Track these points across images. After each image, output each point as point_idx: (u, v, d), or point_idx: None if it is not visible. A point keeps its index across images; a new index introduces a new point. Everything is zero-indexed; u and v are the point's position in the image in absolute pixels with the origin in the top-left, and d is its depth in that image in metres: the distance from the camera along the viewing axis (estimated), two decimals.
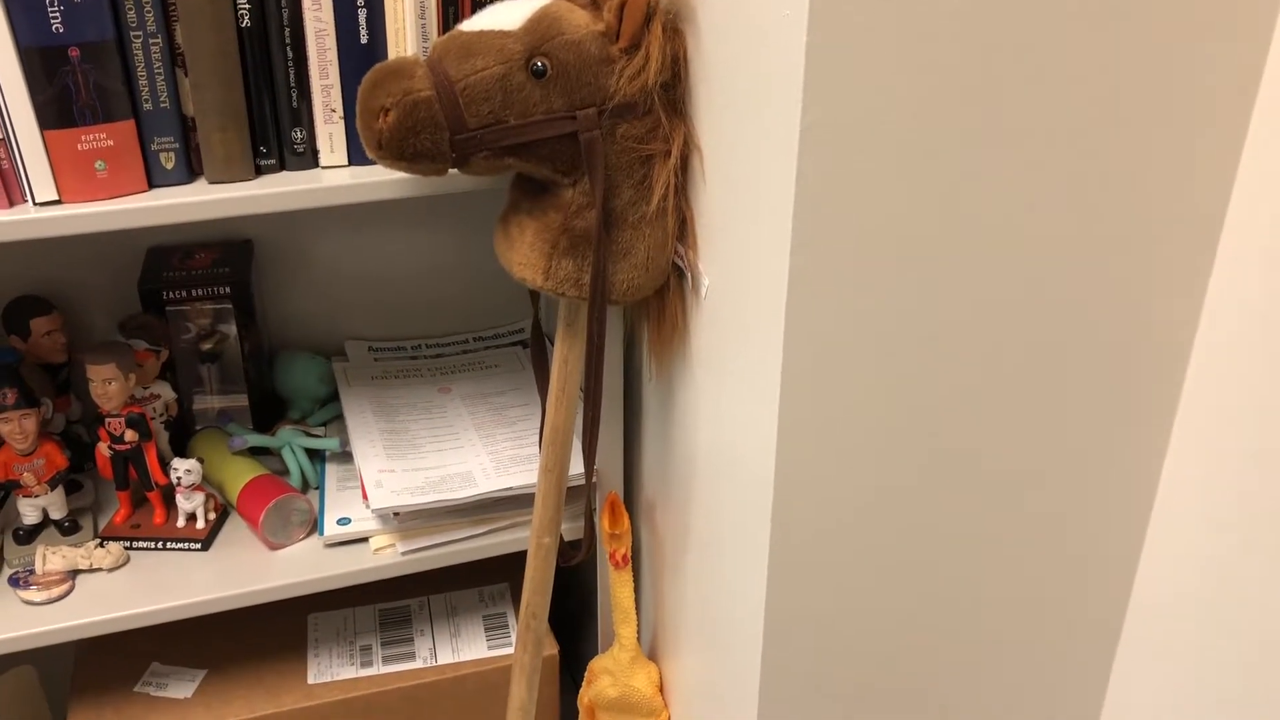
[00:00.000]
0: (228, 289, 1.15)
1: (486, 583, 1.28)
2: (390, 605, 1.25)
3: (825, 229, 0.75)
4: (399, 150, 0.81)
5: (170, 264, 1.17)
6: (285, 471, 1.17)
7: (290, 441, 1.17)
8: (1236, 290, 0.87)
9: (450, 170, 0.86)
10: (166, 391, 1.16)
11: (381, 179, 0.92)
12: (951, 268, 0.79)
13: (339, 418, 1.25)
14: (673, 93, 0.85)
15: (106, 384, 1.04)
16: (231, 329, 1.17)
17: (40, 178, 0.86)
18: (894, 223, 0.76)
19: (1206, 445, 0.91)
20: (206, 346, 1.17)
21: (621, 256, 0.87)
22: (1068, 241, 0.81)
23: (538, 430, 1.16)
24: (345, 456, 1.20)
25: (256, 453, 1.18)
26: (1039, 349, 0.85)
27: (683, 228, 0.90)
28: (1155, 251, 0.85)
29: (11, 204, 0.87)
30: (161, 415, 1.15)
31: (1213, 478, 0.91)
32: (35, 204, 0.87)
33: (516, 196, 0.91)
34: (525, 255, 0.88)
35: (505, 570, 1.30)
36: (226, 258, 1.19)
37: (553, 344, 0.97)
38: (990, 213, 0.78)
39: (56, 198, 0.87)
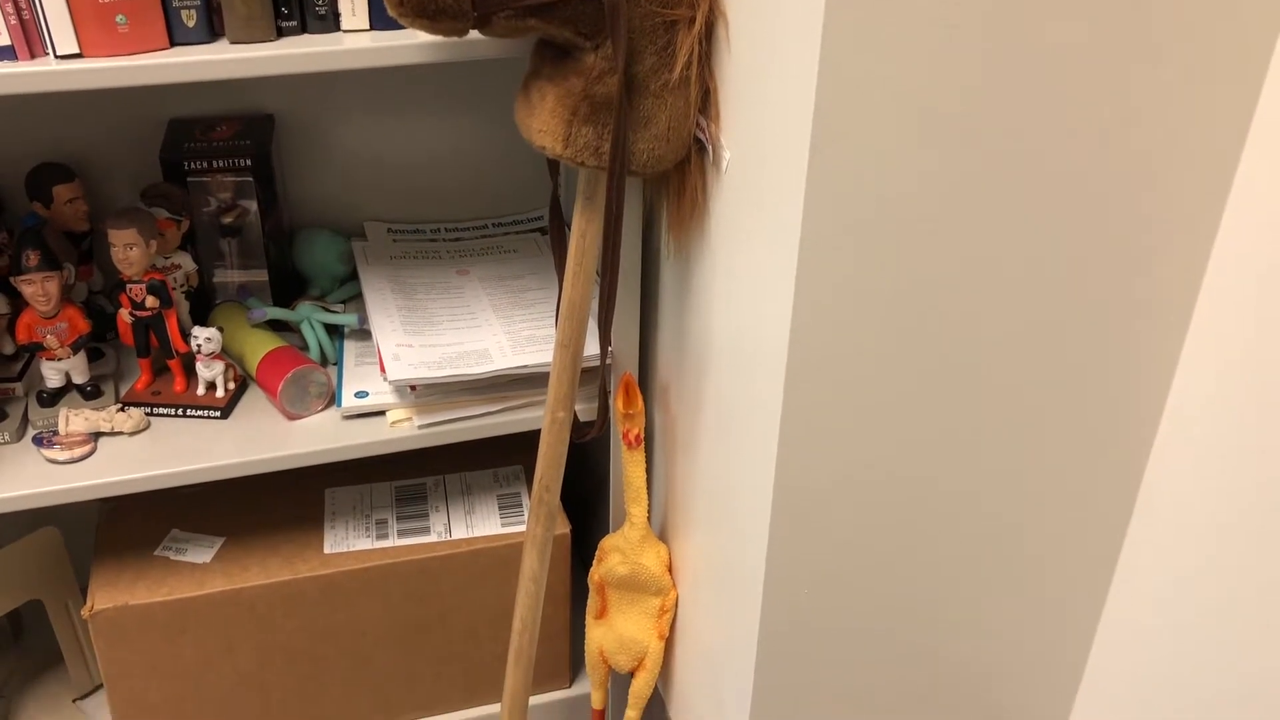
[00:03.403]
0: (249, 161, 1.15)
1: (501, 464, 1.30)
2: (406, 483, 1.27)
3: (849, 100, 0.74)
4: (420, 7, 0.80)
5: (192, 135, 1.17)
6: (304, 347, 1.18)
7: (309, 316, 1.18)
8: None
9: (472, 33, 0.85)
10: (187, 262, 1.17)
11: (402, 43, 0.92)
12: (979, 144, 0.78)
13: (357, 297, 1.26)
14: None
15: (128, 249, 1.05)
16: (252, 204, 1.17)
17: (61, 30, 0.85)
18: (920, 94, 0.75)
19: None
20: (227, 220, 1.18)
21: (642, 125, 0.87)
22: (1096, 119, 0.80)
23: (554, 312, 1.17)
24: (363, 334, 1.21)
25: (275, 328, 1.19)
26: (1056, 232, 0.84)
27: (705, 99, 0.89)
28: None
29: (33, 56, 0.87)
30: (182, 286, 1.16)
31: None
32: (56, 56, 0.86)
33: (538, 62, 0.90)
34: (545, 122, 0.87)
35: (520, 452, 1.31)
36: (248, 131, 1.18)
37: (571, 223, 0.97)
38: (1023, 78, 0.77)
39: (78, 51, 0.86)
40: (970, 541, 0.99)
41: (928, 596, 1.01)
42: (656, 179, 1.00)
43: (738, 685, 1.03)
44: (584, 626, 1.22)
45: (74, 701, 1.30)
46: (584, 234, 0.95)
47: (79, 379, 1.10)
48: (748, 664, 1.01)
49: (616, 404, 1.09)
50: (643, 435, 1.10)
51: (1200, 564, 0.94)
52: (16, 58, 0.86)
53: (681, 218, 0.96)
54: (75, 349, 1.08)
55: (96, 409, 1.09)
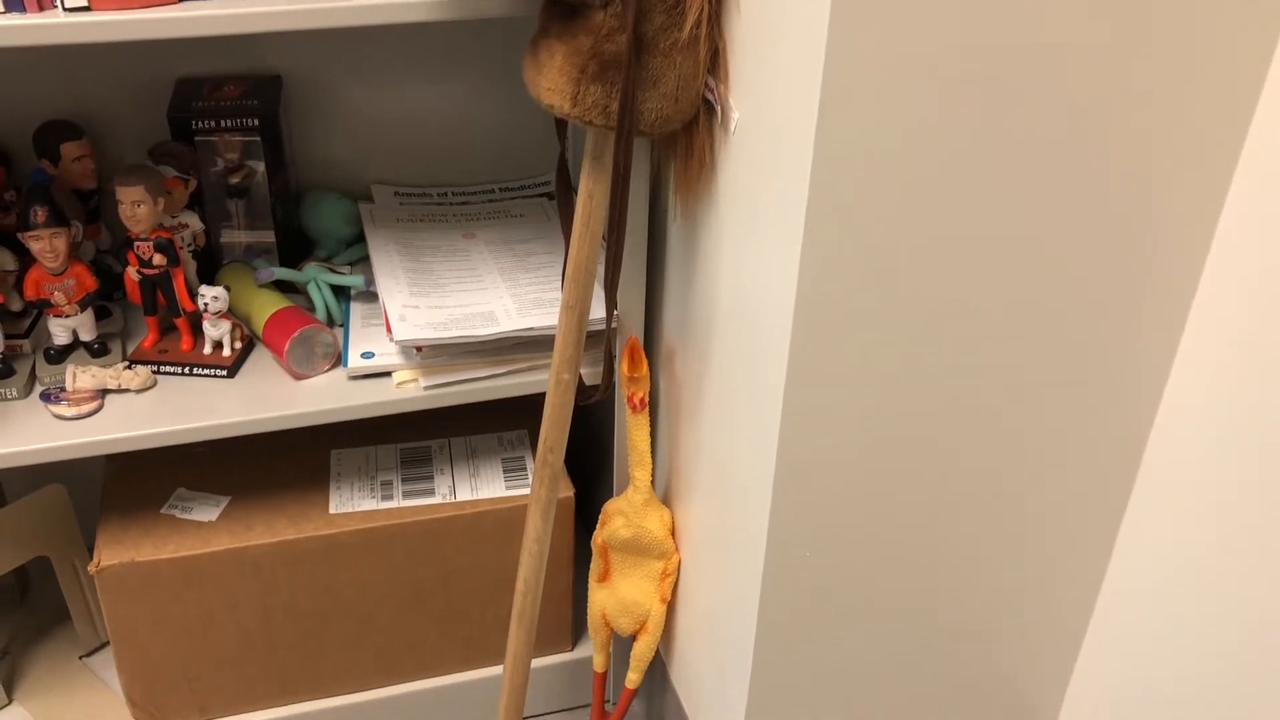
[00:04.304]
0: (256, 121, 1.15)
1: (506, 428, 1.30)
2: (411, 445, 1.27)
3: (859, 62, 0.73)
4: None
5: (200, 94, 1.17)
6: (311, 308, 1.18)
7: (316, 277, 1.18)
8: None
9: None
10: (195, 222, 1.17)
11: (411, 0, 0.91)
12: (989, 104, 0.78)
13: (364, 260, 1.26)
14: None
15: (135, 206, 1.05)
16: (259, 164, 1.17)
17: None
18: (931, 56, 0.75)
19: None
20: (234, 180, 1.18)
21: (651, 85, 0.86)
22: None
23: (560, 275, 1.17)
24: (369, 296, 1.21)
25: (282, 289, 1.20)
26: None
27: (714, 59, 0.89)
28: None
29: (41, 9, 0.86)
30: (190, 245, 1.17)
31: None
32: (65, 9, 0.86)
33: (546, 20, 0.89)
34: (553, 80, 0.87)
35: (525, 416, 1.32)
36: (256, 91, 1.18)
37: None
38: (1034, 43, 0.76)
39: (85, 4, 0.86)
40: (971, 508, 0.99)
41: (929, 562, 1.01)
42: (664, 140, 1.00)
43: (738, 648, 1.04)
44: (586, 590, 1.22)
45: (80, 658, 1.31)
46: (591, 195, 0.95)
47: (86, 336, 1.11)
48: (749, 627, 1.01)
49: (621, 368, 1.10)
50: (647, 399, 1.10)
51: (1201, 535, 0.95)
52: (25, 10, 0.86)
53: (689, 179, 0.96)
54: (83, 306, 1.09)
55: (104, 366, 1.09)
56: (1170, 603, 0.99)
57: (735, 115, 0.88)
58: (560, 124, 1.01)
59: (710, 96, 0.90)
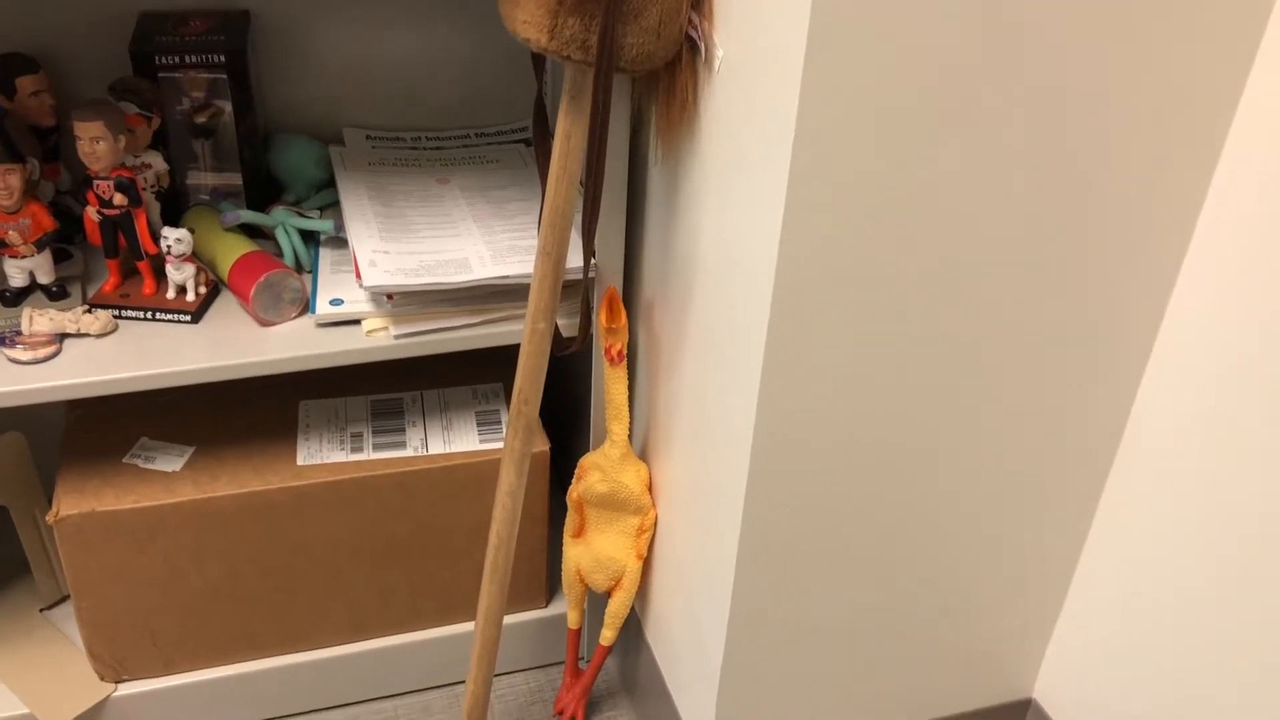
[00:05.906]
0: (222, 58, 1.11)
1: (480, 380, 1.27)
2: (382, 397, 1.24)
3: None
4: None
5: (164, 29, 1.13)
6: (279, 253, 1.15)
7: (284, 221, 1.14)
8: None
9: None
10: (158, 162, 1.13)
11: None
12: (980, 42, 0.75)
13: (334, 204, 1.23)
14: None
15: (94, 143, 1.00)
16: (226, 104, 1.13)
17: None
18: None
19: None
20: (201, 120, 1.13)
21: (632, 18, 0.83)
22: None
23: (537, 222, 1.13)
24: (339, 242, 1.17)
25: (249, 234, 1.16)
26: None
27: None
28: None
29: None
30: (153, 186, 1.13)
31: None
32: None
33: None
34: (530, 12, 0.83)
35: (500, 370, 1.29)
36: (222, 26, 1.14)
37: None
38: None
39: None
40: (953, 466, 0.97)
41: (908, 519, 0.99)
42: (645, 79, 0.97)
43: (715, 606, 1.02)
44: (561, 546, 1.20)
45: (41, 611, 1.28)
46: (568, 135, 0.92)
47: (44, 279, 1.07)
48: (725, 585, 0.99)
49: (599, 318, 1.07)
50: (625, 351, 1.07)
51: (1178, 510, 0.93)
52: None
53: (671, 121, 0.93)
54: (40, 247, 1.05)
55: (62, 310, 1.05)
56: (1145, 575, 0.98)
57: (719, 54, 0.85)
58: (538, 61, 0.97)
59: (694, 34, 0.87)
